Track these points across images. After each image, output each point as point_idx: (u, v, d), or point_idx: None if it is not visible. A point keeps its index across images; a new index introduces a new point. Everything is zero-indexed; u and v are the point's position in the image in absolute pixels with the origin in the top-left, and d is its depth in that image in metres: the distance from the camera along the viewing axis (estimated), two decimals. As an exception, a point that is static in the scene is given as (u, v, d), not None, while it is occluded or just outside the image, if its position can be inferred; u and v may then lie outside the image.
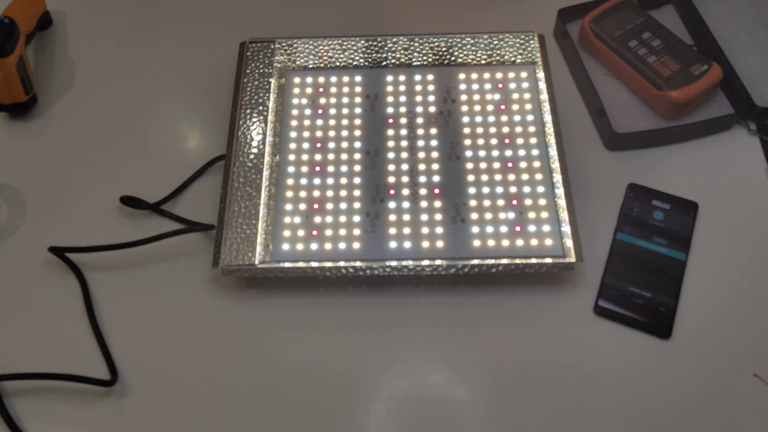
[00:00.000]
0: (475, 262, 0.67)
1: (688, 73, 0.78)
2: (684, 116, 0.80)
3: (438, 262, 0.68)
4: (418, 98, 0.77)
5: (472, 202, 0.71)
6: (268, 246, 0.68)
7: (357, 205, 0.71)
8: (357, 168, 0.73)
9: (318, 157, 0.74)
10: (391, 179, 0.72)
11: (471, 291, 0.70)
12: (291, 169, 0.73)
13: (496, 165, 0.73)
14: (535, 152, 0.73)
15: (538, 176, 0.72)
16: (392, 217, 0.70)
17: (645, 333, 0.68)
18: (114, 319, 0.69)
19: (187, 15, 0.91)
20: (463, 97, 0.77)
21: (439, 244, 0.68)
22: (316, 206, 0.71)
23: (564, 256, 0.68)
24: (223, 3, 0.92)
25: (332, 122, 0.76)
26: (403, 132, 0.75)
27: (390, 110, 0.77)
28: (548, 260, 0.67)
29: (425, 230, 0.69)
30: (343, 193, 0.71)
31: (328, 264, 0.67)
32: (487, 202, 0.70)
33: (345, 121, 0.76)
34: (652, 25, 0.82)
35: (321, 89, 0.78)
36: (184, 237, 0.73)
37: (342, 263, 0.67)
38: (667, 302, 0.69)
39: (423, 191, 0.71)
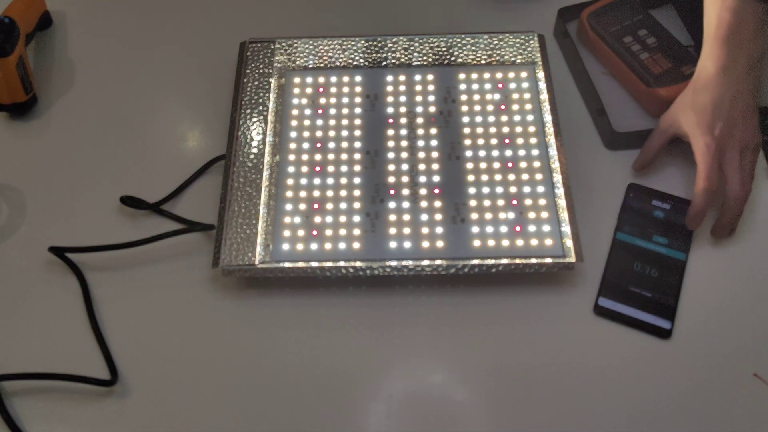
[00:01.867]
0: (475, 262, 0.67)
1: (678, 73, 0.78)
2: None
3: (438, 262, 0.67)
4: (418, 98, 0.77)
5: (472, 202, 0.71)
6: (268, 246, 0.68)
7: (357, 205, 0.71)
8: (357, 168, 0.73)
9: (318, 157, 0.74)
10: (391, 179, 0.72)
11: (471, 291, 0.70)
12: (291, 169, 0.73)
13: (496, 165, 0.73)
14: (535, 152, 0.73)
15: (538, 176, 0.72)
16: (392, 217, 0.70)
17: (645, 333, 0.68)
18: (114, 319, 0.69)
19: (187, 15, 0.91)
20: (463, 97, 0.77)
21: (439, 244, 0.68)
22: (316, 206, 0.71)
23: (564, 256, 0.68)
24: (223, 3, 0.92)
25: (332, 122, 0.76)
26: (403, 132, 0.75)
27: (390, 110, 0.77)
28: (548, 260, 0.67)
29: (425, 230, 0.69)
30: (343, 193, 0.71)
31: (328, 264, 0.67)
32: (487, 202, 0.70)
33: (345, 121, 0.76)
34: (650, 23, 0.82)
35: (321, 89, 0.78)
36: (184, 237, 0.73)
37: (342, 263, 0.67)
38: (667, 302, 0.69)
39: (423, 191, 0.71)
